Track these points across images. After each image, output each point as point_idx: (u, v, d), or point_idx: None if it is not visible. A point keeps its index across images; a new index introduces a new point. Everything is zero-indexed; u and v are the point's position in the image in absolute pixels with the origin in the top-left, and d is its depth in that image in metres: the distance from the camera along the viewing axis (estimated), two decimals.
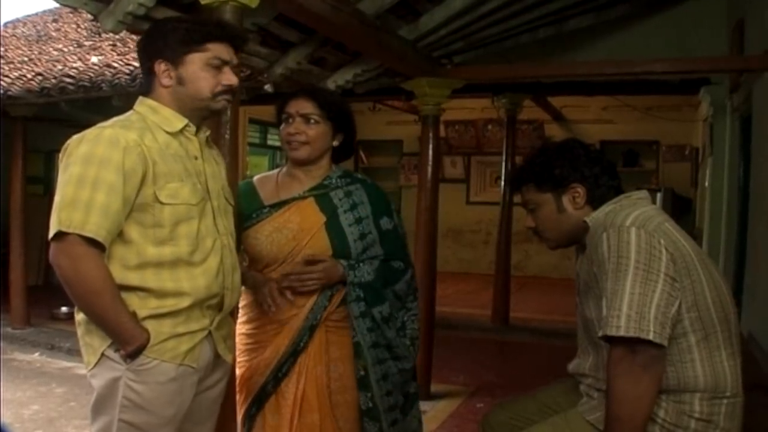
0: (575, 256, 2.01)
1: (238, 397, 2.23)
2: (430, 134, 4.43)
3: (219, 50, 1.77)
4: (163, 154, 1.72)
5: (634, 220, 1.71)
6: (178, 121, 1.78)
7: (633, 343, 1.60)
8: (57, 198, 1.63)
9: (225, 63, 1.78)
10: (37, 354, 5.59)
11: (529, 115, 8.62)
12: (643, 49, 4.91)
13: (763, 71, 4.10)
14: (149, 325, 1.69)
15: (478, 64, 4.92)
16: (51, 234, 1.61)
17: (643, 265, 1.63)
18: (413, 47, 4.03)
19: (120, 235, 1.67)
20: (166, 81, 1.77)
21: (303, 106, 2.17)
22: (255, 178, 2.37)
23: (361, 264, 2.15)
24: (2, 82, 6.18)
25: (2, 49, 7.48)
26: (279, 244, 2.16)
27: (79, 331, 1.77)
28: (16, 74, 6.37)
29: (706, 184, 6.47)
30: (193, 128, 1.81)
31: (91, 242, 1.60)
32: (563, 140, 2.01)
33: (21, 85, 6.09)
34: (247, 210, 2.21)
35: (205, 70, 1.76)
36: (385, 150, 10.98)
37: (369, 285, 2.14)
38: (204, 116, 1.84)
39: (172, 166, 1.73)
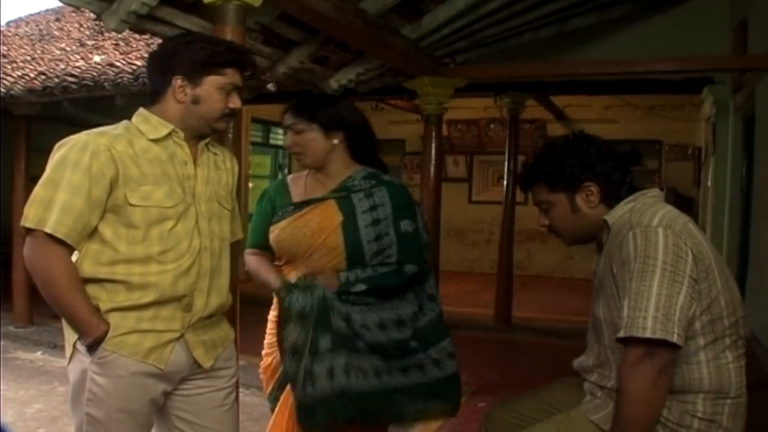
0: (596, 255, 1.97)
1: (262, 378, 2.31)
2: (433, 133, 4.44)
3: (235, 76, 1.84)
4: (137, 159, 1.76)
5: (660, 221, 1.69)
6: (164, 128, 1.81)
7: (653, 345, 1.59)
8: (30, 197, 1.74)
9: (236, 88, 1.85)
10: (39, 353, 5.58)
11: (532, 114, 8.62)
12: (645, 48, 4.91)
13: (766, 70, 4.10)
14: (112, 317, 1.73)
15: (480, 63, 4.93)
16: (22, 229, 1.73)
17: (670, 267, 1.61)
18: (416, 46, 4.03)
19: (96, 234, 1.74)
20: (180, 97, 1.81)
21: (287, 119, 2.27)
22: (289, 176, 2.47)
23: (359, 274, 2.15)
24: (5, 82, 6.19)
25: (5, 48, 7.48)
26: (297, 241, 2.22)
27: (64, 326, 1.83)
28: (18, 73, 6.37)
29: (709, 183, 6.47)
30: (181, 134, 1.84)
31: (54, 238, 1.68)
32: (570, 136, 1.96)
33: (24, 85, 6.09)
34: (277, 206, 2.30)
35: (219, 93, 1.82)
36: (387, 149, 10.92)
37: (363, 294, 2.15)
38: (201, 135, 1.87)
39: (147, 169, 1.76)
